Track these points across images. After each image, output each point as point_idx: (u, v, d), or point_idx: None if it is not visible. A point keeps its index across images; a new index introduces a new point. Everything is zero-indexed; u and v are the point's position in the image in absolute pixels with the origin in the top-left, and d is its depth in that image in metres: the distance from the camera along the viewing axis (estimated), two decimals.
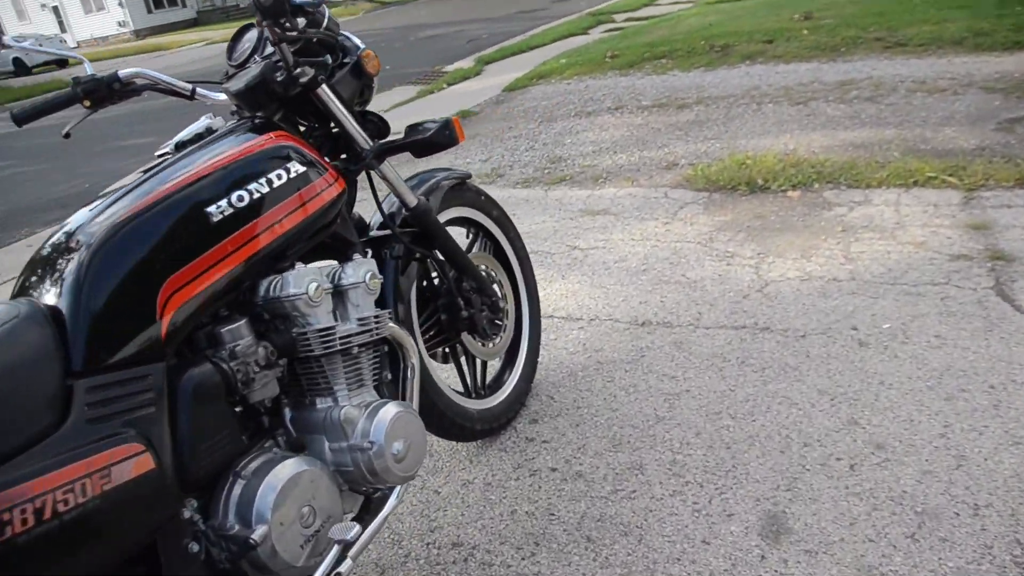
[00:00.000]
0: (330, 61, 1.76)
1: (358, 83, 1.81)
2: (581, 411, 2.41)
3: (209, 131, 1.62)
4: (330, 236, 1.70)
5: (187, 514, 1.36)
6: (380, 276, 1.65)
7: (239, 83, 1.69)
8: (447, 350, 2.27)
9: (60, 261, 1.35)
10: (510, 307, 2.42)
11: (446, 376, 2.56)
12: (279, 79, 1.66)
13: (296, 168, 1.55)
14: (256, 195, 1.47)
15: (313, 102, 1.74)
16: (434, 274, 2.15)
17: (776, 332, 2.64)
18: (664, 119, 5.68)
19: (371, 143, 1.84)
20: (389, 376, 1.75)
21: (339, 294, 1.60)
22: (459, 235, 2.25)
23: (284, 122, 1.72)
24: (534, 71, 8.43)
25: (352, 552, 1.50)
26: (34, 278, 1.36)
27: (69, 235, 1.39)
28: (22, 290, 1.36)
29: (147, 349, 1.34)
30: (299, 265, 1.56)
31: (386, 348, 1.75)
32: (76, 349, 1.28)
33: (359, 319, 1.60)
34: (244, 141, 1.55)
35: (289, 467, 1.45)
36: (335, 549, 1.47)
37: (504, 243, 2.46)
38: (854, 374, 2.34)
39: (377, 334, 1.63)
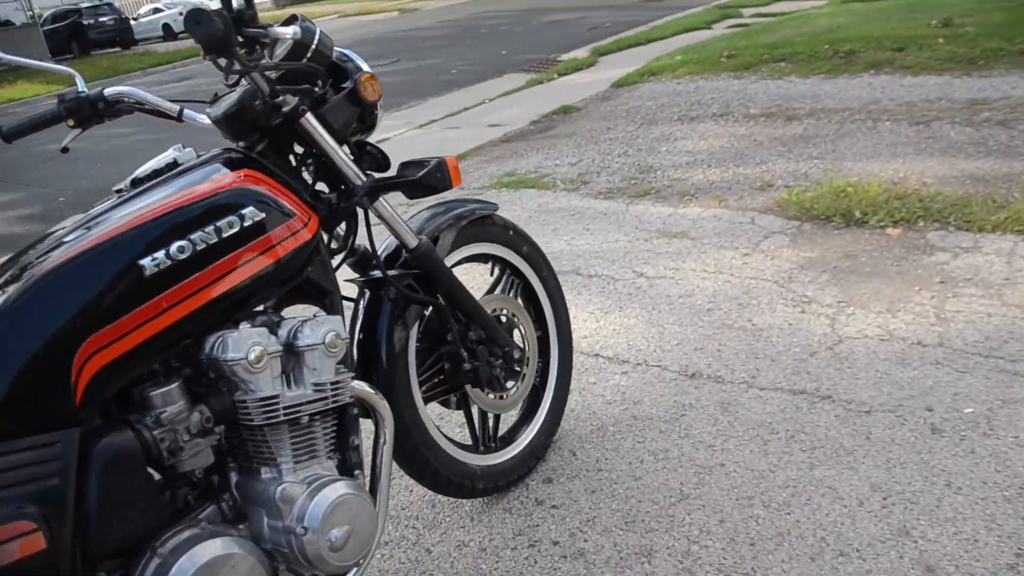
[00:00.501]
0: (318, 88, 1.59)
1: (353, 111, 1.64)
2: (601, 475, 2.19)
3: (174, 165, 1.49)
4: (304, 282, 1.55)
5: None
6: (346, 336, 1.48)
7: (218, 109, 1.55)
8: (457, 396, 2.09)
9: None
10: (532, 354, 2.21)
11: (457, 426, 2.40)
12: (258, 108, 1.51)
13: (254, 215, 1.40)
14: (200, 245, 1.33)
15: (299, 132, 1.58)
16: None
17: (838, 403, 2.33)
18: (769, 131, 5.29)
19: (363, 178, 1.67)
20: (357, 442, 1.58)
21: (295, 355, 1.44)
22: (473, 272, 2.06)
23: (271, 152, 1.58)
24: (647, 66, 8.09)
25: None
26: None
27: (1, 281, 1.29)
28: None
29: (57, 415, 1.22)
30: (242, 328, 1.40)
31: (355, 411, 1.59)
32: None
33: (315, 384, 1.44)
34: (201, 180, 1.41)
35: (212, 547, 1.31)
36: None
37: (535, 282, 2.25)
38: (917, 469, 2.02)
39: (335, 402, 1.46)
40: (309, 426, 1.45)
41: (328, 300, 1.60)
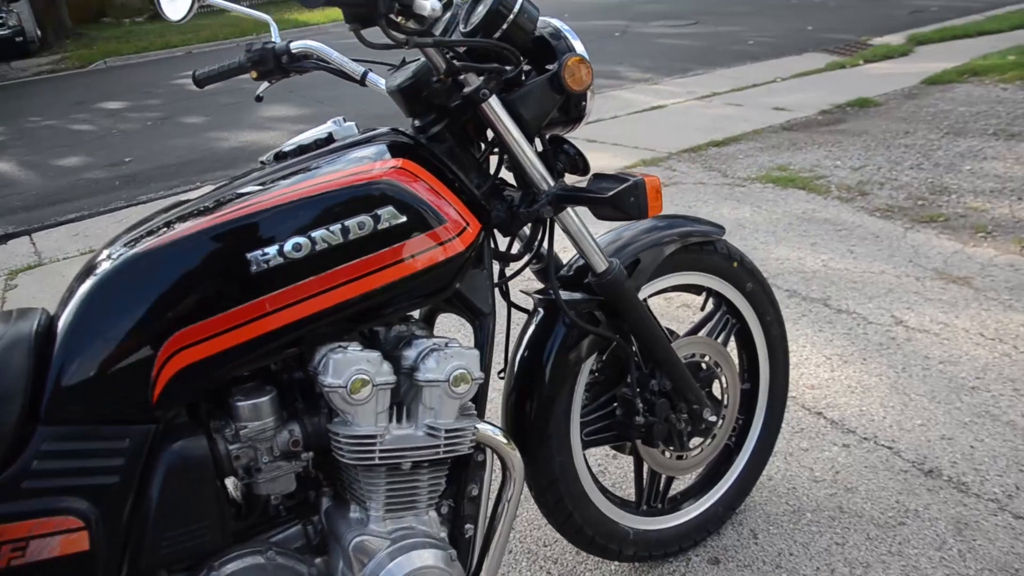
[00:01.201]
0: (511, 68, 1.31)
1: (553, 99, 1.34)
2: (779, 574, 1.79)
3: (329, 140, 1.29)
4: (454, 296, 1.31)
5: None
6: (479, 375, 1.22)
7: (395, 79, 1.33)
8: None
9: (77, 284, 1.13)
10: (731, 411, 1.84)
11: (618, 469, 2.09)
12: (435, 85, 1.27)
13: (392, 217, 1.17)
14: (320, 246, 1.12)
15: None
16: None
17: None
18: None
19: (550, 182, 1.38)
20: (476, 492, 1.34)
21: (413, 387, 1.20)
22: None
23: (449, 136, 1.34)
24: (969, 64, 6.98)
25: None
26: (66, 294, 1.15)
27: (103, 254, 1.16)
28: (62, 302, 1.15)
29: (133, 409, 1.09)
30: (350, 350, 1.18)
31: (480, 458, 1.33)
32: (49, 389, 1.06)
33: (428, 428, 1.20)
34: (344, 167, 1.20)
35: None
36: None
37: (754, 327, 1.86)
38: None
39: (449, 452, 1.22)
40: (412, 474, 1.22)
41: (479, 322, 1.34)
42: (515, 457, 1.35)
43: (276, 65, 1.60)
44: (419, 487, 1.23)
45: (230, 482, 1.23)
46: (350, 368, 1.13)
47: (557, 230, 1.47)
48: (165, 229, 1.14)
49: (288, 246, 1.11)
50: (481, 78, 1.27)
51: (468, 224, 1.26)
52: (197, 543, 1.14)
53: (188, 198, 1.24)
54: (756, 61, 8.48)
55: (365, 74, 1.54)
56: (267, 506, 1.25)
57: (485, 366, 1.32)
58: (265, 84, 1.66)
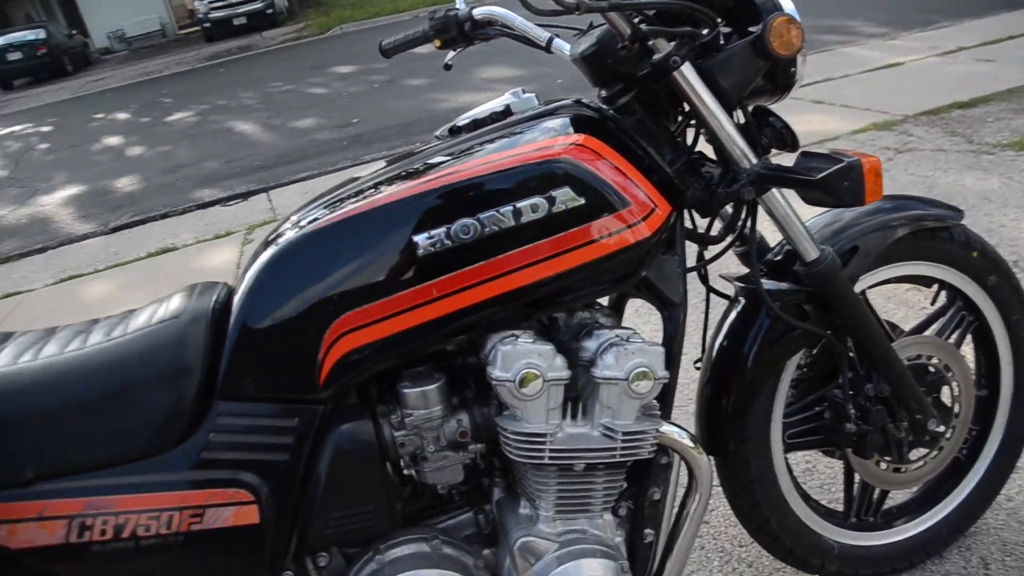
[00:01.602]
0: (705, 31, 1.16)
1: (756, 66, 1.17)
2: None
3: (507, 113, 1.21)
4: (641, 282, 1.20)
5: None
6: (662, 375, 1.11)
7: (579, 46, 1.23)
8: None
9: (252, 260, 1.13)
10: (964, 421, 1.60)
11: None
12: (621, 52, 1.15)
13: (568, 200, 1.07)
14: (489, 228, 1.06)
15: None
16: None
17: None
18: None
19: (752, 160, 1.22)
20: (658, 496, 1.23)
21: (590, 383, 1.11)
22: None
23: (639, 107, 1.22)
24: None
25: None
26: (243, 270, 1.17)
27: (278, 231, 1.16)
28: (240, 277, 1.17)
29: (302, 389, 1.09)
30: (521, 341, 1.10)
31: (664, 460, 1.23)
32: (224, 365, 1.08)
33: (604, 428, 1.11)
34: (517, 144, 1.12)
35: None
36: None
37: (996, 326, 1.59)
38: None
39: (627, 455, 1.12)
40: (585, 476, 1.14)
41: (668, 313, 1.23)
42: (702, 462, 1.23)
43: (459, 33, 1.54)
44: (593, 489, 1.15)
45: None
46: (520, 361, 1.06)
47: (761, 211, 1.32)
48: (336, 207, 1.12)
49: (456, 228, 1.05)
50: (672, 43, 1.14)
51: (656, 206, 1.14)
52: (363, 525, 1.13)
53: (360, 175, 1.21)
54: (1014, 9, 7.43)
55: (551, 40, 1.44)
56: (436, 492, 1.21)
57: (673, 362, 1.21)
58: (452, 52, 1.62)
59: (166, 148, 8.38)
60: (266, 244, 1.15)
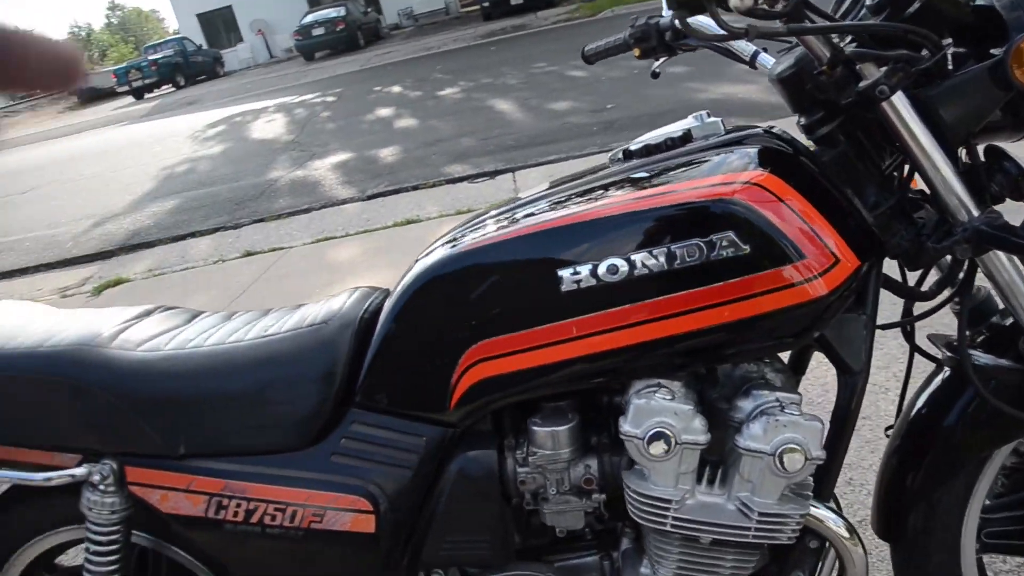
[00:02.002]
0: (927, 55, 0.98)
1: (993, 97, 0.98)
2: None
3: (684, 139, 1.10)
4: (818, 341, 1.06)
5: None
6: (816, 455, 0.97)
7: (777, 66, 1.10)
8: None
9: (406, 273, 1.13)
10: None
11: None
12: (820, 77, 1.01)
13: (729, 248, 0.96)
14: (639, 271, 0.97)
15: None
16: None
17: None
18: None
19: (973, 212, 1.03)
20: None
21: (735, 450, 1.00)
22: None
23: (842, 139, 1.07)
24: None
25: None
26: (399, 280, 1.17)
27: (433, 247, 1.14)
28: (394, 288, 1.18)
29: (431, 408, 1.08)
30: (657, 396, 1.00)
31: (813, 544, 1.08)
32: (364, 373, 1.11)
33: (740, 503, 0.99)
34: (684, 179, 1.01)
35: None
36: None
37: None
38: None
39: (761, 538, 1.00)
40: (712, 550, 1.03)
41: (845, 380, 1.07)
42: (857, 556, 1.07)
43: (659, 42, 1.44)
44: (720, 566, 1.04)
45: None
46: (652, 418, 0.97)
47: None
48: (487, 229, 1.08)
49: (603, 267, 0.97)
50: (882, 69, 0.97)
51: (840, 259, 0.98)
52: (476, 553, 1.11)
53: (524, 196, 1.16)
54: None
55: (755, 55, 1.30)
56: (560, 536, 1.16)
57: (841, 436, 1.06)
58: (661, 60, 1.51)
59: (430, 122, 8.86)
60: (420, 259, 1.14)
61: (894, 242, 1.06)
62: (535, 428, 1.06)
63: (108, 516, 1.19)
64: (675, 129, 1.12)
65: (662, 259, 0.96)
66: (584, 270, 0.97)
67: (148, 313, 1.33)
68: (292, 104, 12.97)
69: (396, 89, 12.10)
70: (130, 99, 27.02)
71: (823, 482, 1.07)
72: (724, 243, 0.95)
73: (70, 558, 1.45)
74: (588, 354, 0.99)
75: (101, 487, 1.17)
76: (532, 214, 1.06)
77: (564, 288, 0.98)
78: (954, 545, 1.24)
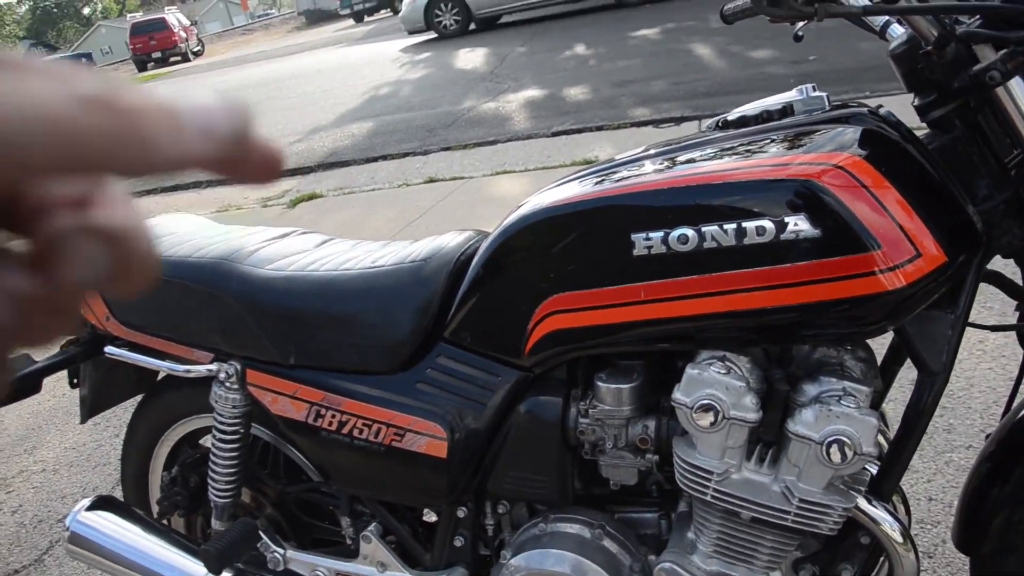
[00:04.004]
0: None
1: None
2: None
3: (783, 112, 1.07)
4: (899, 335, 1.04)
5: (461, 514, 1.27)
6: (867, 451, 0.95)
7: (895, 41, 1.04)
8: None
9: (502, 221, 1.19)
10: None
11: None
12: (931, 57, 0.96)
13: (799, 229, 0.94)
14: (708, 243, 0.98)
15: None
16: None
17: None
18: None
19: None
20: (848, 573, 1.08)
21: (784, 434, 1.00)
22: None
23: (956, 124, 1.01)
24: None
25: None
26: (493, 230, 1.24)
27: (527, 200, 1.20)
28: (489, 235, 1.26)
29: (507, 351, 1.16)
30: (712, 369, 1.01)
31: (864, 540, 1.07)
32: (453, 312, 1.20)
33: (784, 487, 1.00)
34: (767, 155, 1.00)
35: (577, 566, 1.16)
36: None
37: None
38: None
39: (799, 524, 1.00)
40: (752, 527, 1.04)
41: (922, 379, 1.03)
42: (907, 562, 1.04)
43: (797, 10, 1.37)
44: (759, 544, 1.05)
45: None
46: (702, 390, 0.99)
47: None
48: (580, 185, 1.11)
49: (673, 236, 0.99)
50: (998, 55, 0.91)
51: (921, 253, 0.94)
52: (537, 491, 1.18)
53: (618, 158, 1.18)
54: None
55: (886, 26, 1.22)
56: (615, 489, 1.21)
57: (910, 435, 1.03)
58: (801, 23, 1.45)
59: (624, 63, 8.73)
60: (517, 208, 1.19)
61: (1005, 240, 1.01)
62: (599, 383, 1.11)
63: (231, 410, 1.36)
64: (776, 102, 1.10)
65: (731, 234, 0.96)
66: (656, 237, 0.99)
67: (285, 235, 1.48)
68: (496, 38, 13.14)
69: (596, 28, 11.97)
70: (350, 22, 28.36)
71: (884, 480, 1.05)
72: (795, 225, 0.94)
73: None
74: (653, 319, 1.02)
75: (226, 384, 1.34)
76: (619, 176, 1.09)
77: (636, 252, 1.01)
78: (1007, 567, 1.18)
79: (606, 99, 7.10)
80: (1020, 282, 1.13)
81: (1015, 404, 1.22)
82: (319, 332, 1.26)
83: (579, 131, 6.16)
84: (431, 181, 5.53)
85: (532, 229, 1.11)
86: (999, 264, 1.09)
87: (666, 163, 1.06)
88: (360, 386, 1.23)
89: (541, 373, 1.15)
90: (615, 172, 1.12)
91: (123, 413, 3.09)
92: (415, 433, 1.19)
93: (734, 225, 0.96)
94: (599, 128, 6.12)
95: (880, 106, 1.07)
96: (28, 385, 1.49)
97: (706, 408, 0.98)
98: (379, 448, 1.22)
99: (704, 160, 1.03)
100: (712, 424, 0.98)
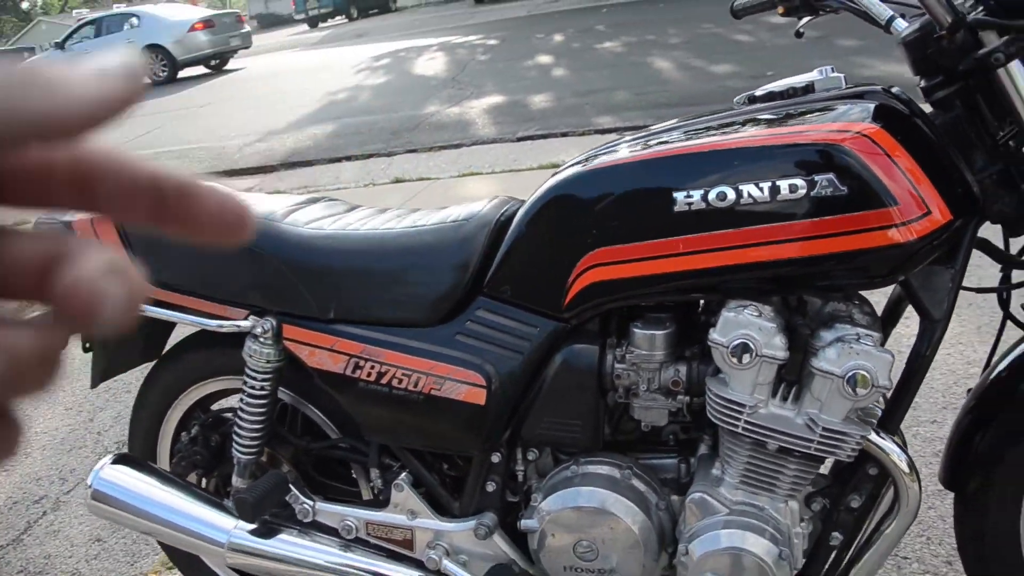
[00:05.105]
0: None
1: None
2: None
3: (806, 90, 1.19)
4: (904, 288, 1.15)
5: (495, 459, 1.34)
6: (883, 383, 1.06)
7: (906, 29, 1.16)
8: None
9: (541, 186, 1.28)
10: None
11: None
12: (941, 42, 1.08)
13: (828, 187, 1.05)
14: (744, 199, 1.08)
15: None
16: None
17: None
18: None
19: None
20: (855, 504, 1.20)
21: (808, 371, 1.11)
22: None
23: (958, 104, 1.13)
24: None
25: None
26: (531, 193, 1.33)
27: (569, 164, 1.29)
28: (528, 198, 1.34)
29: (547, 304, 1.25)
30: (746, 312, 1.11)
31: (872, 472, 1.18)
32: (494, 267, 1.28)
33: (808, 418, 1.10)
34: (799, 124, 1.11)
35: (608, 501, 1.24)
36: None
37: None
38: None
39: (822, 451, 1.10)
40: (777, 457, 1.14)
41: (924, 326, 1.15)
42: (912, 489, 1.16)
43: (803, 2, 1.49)
44: (782, 473, 1.15)
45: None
46: (737, 330, 1.09)
47: None
48: (621, 151, 1.21)
49: (713, 193, 1.09)
50: (1004, 38, 1.03)
51: (931, 211, 1.06)
52: (570, 436, 1.26)
53: (654, 128, 1.28)
54: None
55: (891, 20, 1.34)
56: (645, 431, 1.30)
57: (913, 378, 1.15)
58: (805, 19, 1.56)
59: (587, 73, 8.90)
60: (554, 174, 1.28)
61: (996, 207, 1.13)
62: (636, 330, 1.20)
63: (264, 364, 1.41)
64: (799, 80, 1.21)
65: (767, 191, 1.06)
66: (696, 194, 1.09)
67: (314, 201, 1.54)
68: (456, 44, 13.26)
69: (558, 37, 12.16)
70: (304, 27, 28.23)
71: (891, 415, 1.16)
72: (825, 183, 1.05)
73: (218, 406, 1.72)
74: (690, 269, 1.12)
75: (261, 339, 1.39)
76: (659, 142, 1.18)
77: (676, 209, 1.10)
78: (1013, 507, 1.30)
79: (570, 107, 7.24)
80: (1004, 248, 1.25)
81: (993, 360, 1.34)
82: (361, 287, 1.33)
83: (544, 136, 6.28)
84: (398, 181, 5.58)
85: (578, 188, 1.20)
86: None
87: (705, 130, 1.16)
88: (400, 338, 1.30)
89: (576, 325, 1.23)
90: (650, 139, 1.22)
91: (94, 398, 3.09)
92: (455, 382, 1.26)
93: (769, 183, 1.06)
94: (564, 134, 6.24)
95: (892, 86, 1.19)
96: None
97: (741, 346, 1.08)
98: (418, 397, 1.28)
99: (740, 127, 1.14)
100: (747, 362, 1.08)
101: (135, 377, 3.19)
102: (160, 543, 1.79)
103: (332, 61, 14.07)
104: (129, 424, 1.76)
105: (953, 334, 2.53)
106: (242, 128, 8.62)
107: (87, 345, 1.67)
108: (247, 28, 16.87)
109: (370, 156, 6.58)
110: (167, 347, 1.73)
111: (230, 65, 16.32)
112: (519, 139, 6.33)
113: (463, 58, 11.48)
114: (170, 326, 1.76)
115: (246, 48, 16.90)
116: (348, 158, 6.65)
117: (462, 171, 5.57)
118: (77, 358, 3.75)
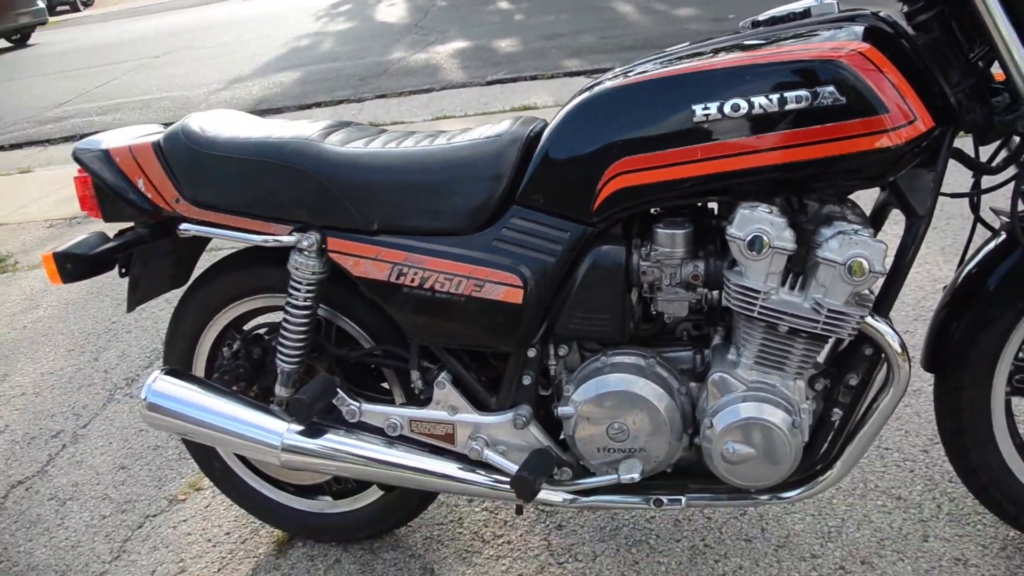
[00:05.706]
0: None
1: None
2: None
3: (804, 14, 1.33)
4: (890, 188, 1.33)
5: (531, 354, 1.48)
6: (878, 269, 1.23)
7: None
8: None
9: (567, 103, 1.40)
10: None
11: None
12: None
13: (831, 97, 1.20)
14: (756, 110, 1.23)
15: None
16: None
17: None
18: None
19: None
20: (853, 382, 1.37)
21: (813, 261, 1.27)
22: None
23: (936, 27, 1.28)
24: None
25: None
26: (559, 111, 1.45)
27: (594, 84, 1.41)
28: (556, 116, 1.46)
29: (577, 210, 1.37)
30: (759, 209, 1.27)
31: (868, 351, 1.35)
32: (526, 179, 1.40)
33: (814, 302, 1.26)
34: (803, 43, 1.25)
35: (636, 385, 1.40)
36: (611, 478, 1.44)
37: None
38: None
39: (828, 330, 1.27)
40: (787, 338, 1.31)
41: (910, 223, 1.32)
42: (903, 367, 1.33)
43: None
44: (791, 352, 1.32)
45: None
46: (752, 225, 1.24)
47: None
48: (643, 71, 1.34)
49: (728, 106, 1.23)
50: None
51: (916, 118, 1.21)
52: (599, 330, 1.40)
53: (670, 50, 1.42)
54: None
55: None
56: (665, 324, 1.46)
57: (901, 269, 1.31)
58: None
59: (549, 17, 8.95)
60: (580, 93, 1.41)
61: (969, 117, 1.29)
62: (659, 230, 1.35)
63: (309, 276, 1.53)
64: (797, 6, 1.36)
65: (775, 101, 1.21)
66: (713, 107, 1.24)
67: (345, 124, 1.65)
68: None
69: None
70: None
71: (883, 300, 1.33)
72: (825, 94, 1.20)
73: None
74: (708, 174, 1.27)
75: (307, 252, 1.51)
76: (677, 60, 1.32)
77: (695, 120, 1.25)
78: (985, 384, 1.48)
79: (536, 51, 7.31)
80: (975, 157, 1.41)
81: (965, 258, 1.52)
82: (402, 200, 1.45)
83: (514, 80, 6.36)
84: (372, 125, 5.63)
85: (605, 103, 1.33)
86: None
87: (718, 51, 1.30)
88: (441, 246, 1.43)
89: (603, 229, 1.37)
90: (667, 60, 1.35)
91: (95, 339, 3.16)
92: (493, 283, 1.40)
93: (778, 95, 1.21)
94: (533, 77, 6.33)
95: (880, 10, 1.33)
96: (103, 262, 1.62)
97: (756, 239, 1.23)
98: (459, 299, 1.42)
99: (749, 48, 1.28)
100: (760, 252, 1.24)
101: (134, 318, 3.26)
102: (195, 458, 1.90)
103: (291, 9, 13.86)
104: (164, 343, 1.86)
105: (920, 255, 2.74)
106: (205, 77, 8.56)
107: (123, 270, 1.74)
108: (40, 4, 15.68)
109: (340, 103, 6.60)
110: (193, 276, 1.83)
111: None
112: (489, 83, 6.41)
113: (423, 4, 11.40)
114: (197, 254, 1.86)
115: (42, 24, 15.88)
116: (318, 104, 6.67)
117: (435, 115, 5.63)
118: (69, 303, 3.76)
